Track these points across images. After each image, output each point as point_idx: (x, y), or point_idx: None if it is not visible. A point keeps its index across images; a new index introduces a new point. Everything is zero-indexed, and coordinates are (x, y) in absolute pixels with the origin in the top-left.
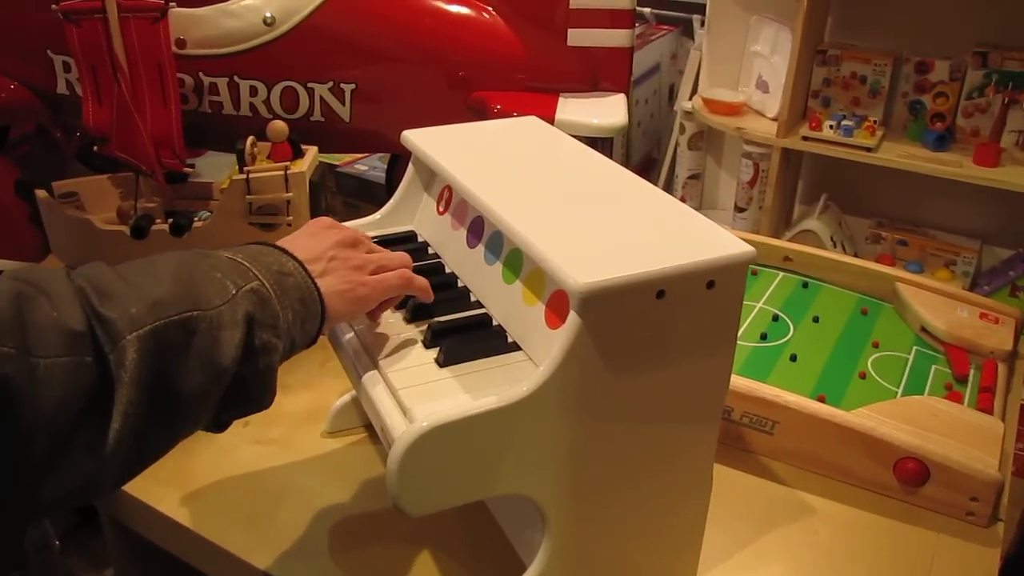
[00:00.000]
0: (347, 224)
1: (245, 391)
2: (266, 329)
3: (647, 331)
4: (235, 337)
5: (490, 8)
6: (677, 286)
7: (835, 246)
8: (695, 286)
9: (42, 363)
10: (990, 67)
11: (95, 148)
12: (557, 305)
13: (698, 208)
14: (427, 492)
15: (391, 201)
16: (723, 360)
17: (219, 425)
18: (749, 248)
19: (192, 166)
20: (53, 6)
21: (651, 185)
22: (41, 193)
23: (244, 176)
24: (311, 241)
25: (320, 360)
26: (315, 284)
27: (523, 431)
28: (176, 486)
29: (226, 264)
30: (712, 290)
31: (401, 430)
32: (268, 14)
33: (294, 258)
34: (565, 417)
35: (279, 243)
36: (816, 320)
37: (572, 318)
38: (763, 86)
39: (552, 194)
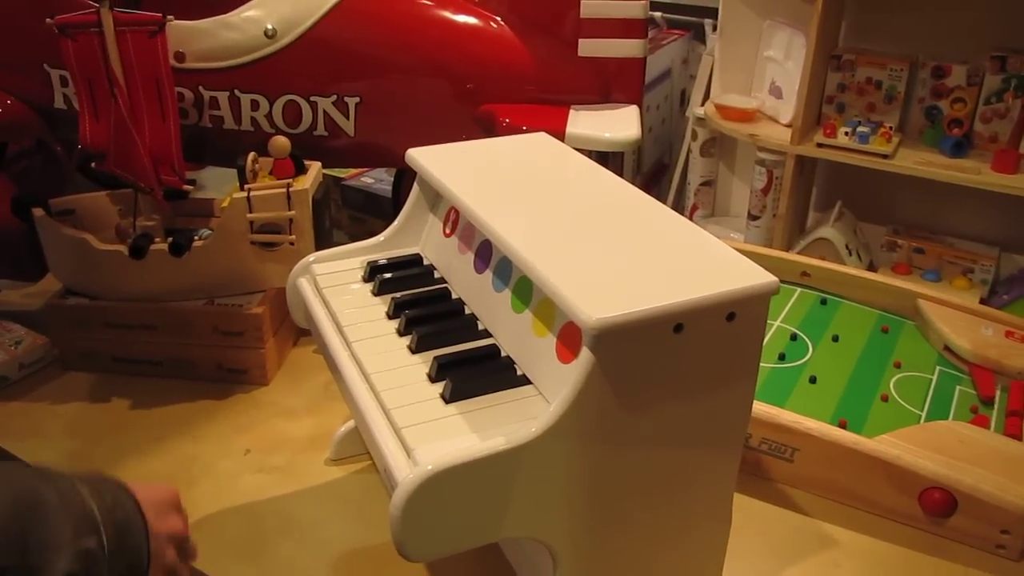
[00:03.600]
0: (351, 247)
1: None
2: None
3: (664, 366)
4: None
5: (498, 18)
6: (696, 319)
7: (850, 254)
8: (714, 319)
9: None
10: (1009, 71)
11: (93, 165)
12: (569, 338)
13: (711, 215)
14: (432, 537)
15: (395, 222)
16: (744, 392)
17: None
18: (771, 279)
19: (193, 182)
20: (47, 20)
21: (667, 208)
22: (38, 211)
23: (245, 194)
24: (159, 518)
25: (324, 383)
26: (148, 564)
27: (532, 472)
28: None
29: (74, 510)
30: (732, 322)
31: (405, 473)
32: (269, 26)
33: (145, 527)
34: (576, 457)
35: (139, 496)
36: (836, 339)
37: (585, 354)
38: (776, 92)
39: (562, 218)
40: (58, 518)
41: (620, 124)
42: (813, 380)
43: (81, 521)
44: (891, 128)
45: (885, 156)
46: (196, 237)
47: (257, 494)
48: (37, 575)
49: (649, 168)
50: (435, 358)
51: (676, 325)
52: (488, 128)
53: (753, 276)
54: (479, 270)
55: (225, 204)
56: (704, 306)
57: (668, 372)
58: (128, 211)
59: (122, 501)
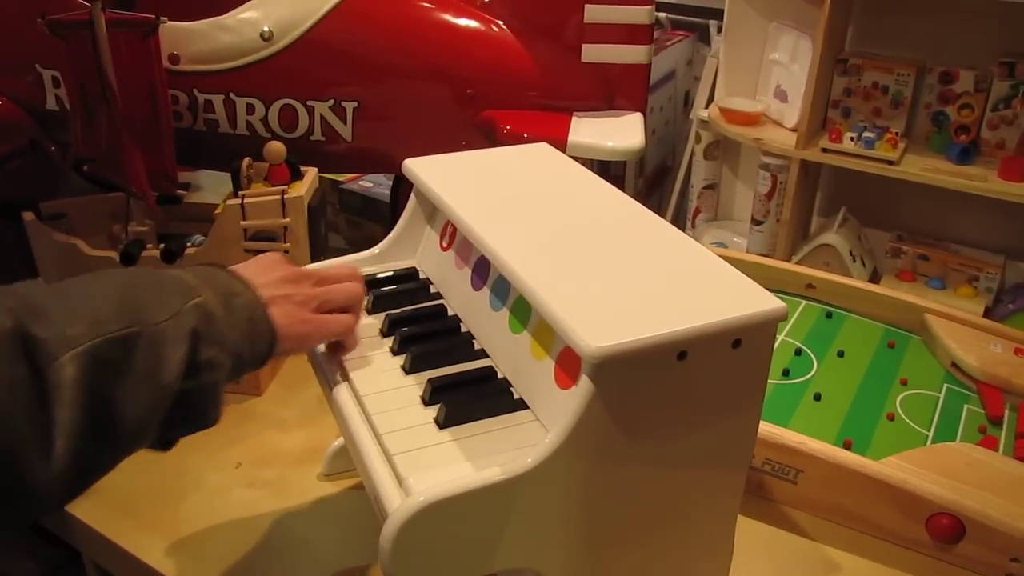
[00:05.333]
0: (346, 259)
1: (190, 408)
2: (211, 345)
3: (666, 394)
4: (179, 353)
5: (500, 22)
6: (700, 347)
7: (854, 260)
8: (720, 346)
9: None
10: (1017, 78)
11: (84, 168)
12: (568, 363)
13: (713, 219)
14: (423, 569)
15: (391, 234)
16: (749, 421)
17: (165, 444)
18: (779, 304)
19: (187, 186)
20: (39, 20)
21: (671, 227)
22: (28, 215)
23: (239, 201)
24: (259, 273)
25: (318, 396)
26: (264, 305)
27: (528, 503)
28: (162, 533)
29: (172, 280)
30: (738, 349)
31: (396, 503)
32: (266, 28)
33: (243, 280)
34: (574, 487)
35: (231, 268)
36: (841, 354)
37: (584, 382)
38: (781, 95)
39: (562, 236)
40: (162, 288)
41: (623, 132)
42: (818, 397)
43: (180, 289)
44: (897, 134)
45: (891, 162)
46: (189, 243)
47: (247, 510)
48: (162, 336)
49: (652, 171)
50: (429, 380)
51: (680, 352)
52: (489, 135)
53: (760, 301)
54: (476, 287)
55: (219, 210)
56: (709, 333)
57: (671, 400)
58: (121, 215)
59: (207, 269)
